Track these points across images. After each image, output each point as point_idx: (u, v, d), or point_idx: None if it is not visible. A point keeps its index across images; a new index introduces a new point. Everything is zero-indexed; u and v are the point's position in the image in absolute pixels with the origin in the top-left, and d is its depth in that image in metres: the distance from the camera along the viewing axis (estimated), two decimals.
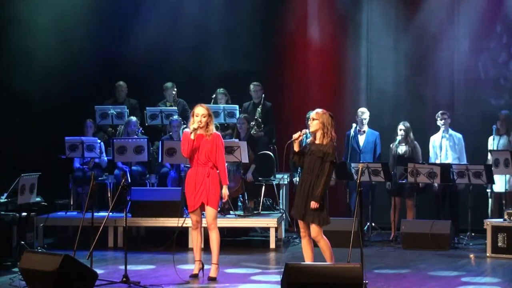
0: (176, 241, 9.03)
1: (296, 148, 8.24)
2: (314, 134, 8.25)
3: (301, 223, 8.29)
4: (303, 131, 8.30)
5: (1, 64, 12.27)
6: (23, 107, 12.26)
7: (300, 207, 8.19)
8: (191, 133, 8.64)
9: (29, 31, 12.39)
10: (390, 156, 11.99)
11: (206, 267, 8.88)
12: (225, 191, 8.85)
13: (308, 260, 8.27)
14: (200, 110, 8.73)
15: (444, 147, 11.88)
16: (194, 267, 8.91)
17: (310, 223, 8.15)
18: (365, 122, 12.20)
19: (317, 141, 8.23)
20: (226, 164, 11.34)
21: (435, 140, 12.05)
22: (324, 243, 8.20)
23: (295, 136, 8.20)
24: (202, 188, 8.70)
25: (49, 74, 12.47)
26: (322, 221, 8.12)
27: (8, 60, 12.30)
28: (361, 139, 12.17)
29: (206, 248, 8.99)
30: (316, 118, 8.23)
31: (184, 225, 9.89)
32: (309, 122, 8.32)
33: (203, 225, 8.94)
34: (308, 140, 8.37)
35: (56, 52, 12.59)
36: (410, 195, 11.76)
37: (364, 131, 12.19)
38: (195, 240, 8.87)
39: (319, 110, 8.30)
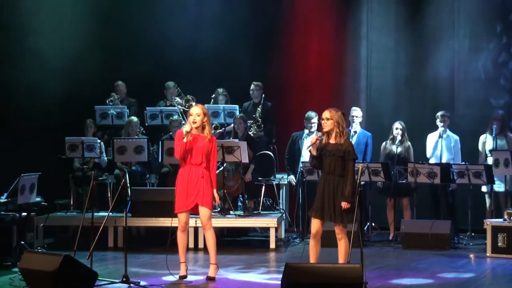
0: (173, 241, 9.02)
1: (314, 152, 8.22)
2: (327, 134, 8.23)
3: (317, 223, 8.23)
4: (318, 134, 8.28)
5: (5, 64, 12.26)
6: (23, 106, 12.25)
7: (329, 209, 8.16)
8: (184, 136, 8.57)
9: (30, 31, 12.39)
10: (381, 155, 11.94)
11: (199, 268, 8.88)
12: (215, 194, 8.78)
13: (313, 260, 8.27)
14: (194, 110, 8.67)
15: (439, 147, 11.88)
16: (180, 269, 8.81)
17: (336, 222, 8.15)
18: (356, 120, 12.11)
19: (332, 141, 8.22)
20: (225, 164, 11.41)
21: (431, 138, 12.04)
22: (345, 243, 8.21)
23: (312, 140, 8.19)
24: (196, 189, 8.62)
25: (49, 74, 12.45)
26: (348, 220, 8.13)
27: (13, 60, 12.29)
28: (353, 140, 12.02)
29: (205, 248, 8.98)
30: (330, 117, 8.22)
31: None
32: (322, 122, 8.28)
33: (198, 225, 8.89)
34: (313, 136, 8.31)
35: (57, 53, 12.57)
36: (405, 195, 11.76)
37: (355, 132, 12.13)
38: (181, 241, 8.77)
39: (331, 109, 8.29)
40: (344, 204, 8.07)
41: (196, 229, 11.01)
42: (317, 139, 8.19)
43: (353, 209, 8.06)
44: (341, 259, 8.24)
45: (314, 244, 8.32)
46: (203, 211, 8.67)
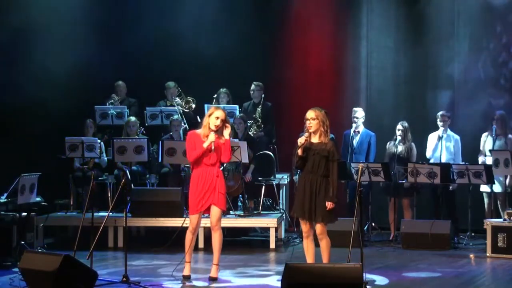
0: (175, 241, 9.02)
1: (300, 153, 8.22)
2: (312, 134, 8.22)
3: (304, 223, 8.27)
4: (306, 135, 8.27)
5: (6, 65, 12.27)
6: (23, 106, 12.25)
7: (308, 208, 8.18)
8: (208, 146, 8.50)
9: (31, 33, 12.39)
10: (385, 155, 11.96)
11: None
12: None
13: (310, 260, 8.28)
14: (220, 114, 8.59)
15: (440, 146, 11.88)
16: (185, 269, 8.79)
17: (317, 222, 8.15)
18: (358, 121, 12.13)
19: (316, 140, 8.22)
20: (225, 164, 11.41)
21: (431, 139, 12.04)
22: (326, 242, 8.23)
23: (301, 141, 8.18)
24: (211, 189, 8.60)
25: (50, 75, 12.45)
26: (329, 220, 8.15)
27: (13, 60, 12.29)
28: (356, 139, 12.11)
29: (207, 248, 8.98)
30: (315, 117, 8.22)
31: (184, 225, 9.89)
32: (308, 123, 8.27)
33: (207, 225, 8.86)
34: (302, 138, 8.30)
35: (58, 55, 12.57)
36: (407, 195, 11.77)
37: (358, 132, 12.15)
38: (190, 241, 8.71)
39: (315, 109, 8.28)
40: (329, 204, 8.08)
41: None
42: (305, 140, 8.19)
43: (334, 209, 8.10)
44: (325, 258, 8.24)
45: (307, 244, 8.34)
46: (215, 211, 8.63)
